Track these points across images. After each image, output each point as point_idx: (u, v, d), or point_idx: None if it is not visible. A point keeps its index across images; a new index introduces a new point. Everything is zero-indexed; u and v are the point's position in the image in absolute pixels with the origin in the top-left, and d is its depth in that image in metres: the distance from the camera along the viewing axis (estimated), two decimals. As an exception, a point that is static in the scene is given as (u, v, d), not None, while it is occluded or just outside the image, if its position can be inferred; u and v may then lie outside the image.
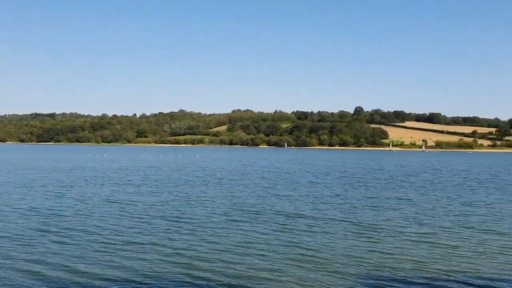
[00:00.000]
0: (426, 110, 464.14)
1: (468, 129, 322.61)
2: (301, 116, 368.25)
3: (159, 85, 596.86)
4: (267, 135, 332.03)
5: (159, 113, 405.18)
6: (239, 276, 14.12)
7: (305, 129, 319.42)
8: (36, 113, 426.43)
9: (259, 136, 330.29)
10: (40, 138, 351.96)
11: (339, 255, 16.79)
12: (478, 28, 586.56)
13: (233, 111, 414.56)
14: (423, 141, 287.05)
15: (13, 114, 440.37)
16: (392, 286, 13.53)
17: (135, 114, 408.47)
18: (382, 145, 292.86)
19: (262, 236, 19.73)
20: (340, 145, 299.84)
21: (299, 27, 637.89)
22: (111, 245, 17.81)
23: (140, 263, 15.34)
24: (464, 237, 20.35)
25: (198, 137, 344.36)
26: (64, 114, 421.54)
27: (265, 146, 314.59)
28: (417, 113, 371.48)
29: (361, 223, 23.33)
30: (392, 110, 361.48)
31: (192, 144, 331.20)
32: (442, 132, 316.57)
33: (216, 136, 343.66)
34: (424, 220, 24.63)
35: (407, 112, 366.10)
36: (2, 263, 15.22)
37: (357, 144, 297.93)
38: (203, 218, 24.13)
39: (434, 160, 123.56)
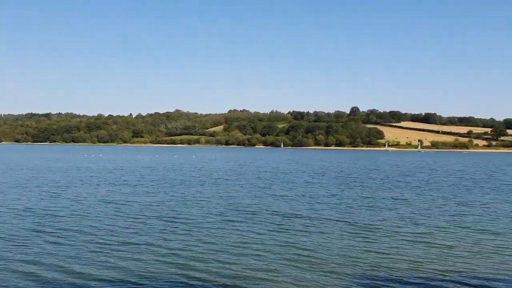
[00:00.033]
0: (421, 110, 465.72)
1: (463, 129, 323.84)
2: (298, 116, 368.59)
3: (155, 85, 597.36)
4: (264, 135, 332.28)
5: (155, 113, 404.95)
6: (235, 277, 14.09)
7: (302, 129, 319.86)
8: (31, 113, 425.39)
9: (255, 136, 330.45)
10: (36, 138, 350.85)
11: (335, 255, 16.78)
12: (475, 29, 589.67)
13: (230, 111, 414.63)
14: (418, 141, 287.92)
15: (9, 114, 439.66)
16: (388, 286, 13.54)
17: (131, 114, 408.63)
18: (378, 145, 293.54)
19: (258, 236, 19.70)
20: (336, 145, 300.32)
21: (295, 27, 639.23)
22: (107, 245, 17.74)
23: (135, 264, 15.29)
24: (459, 237, 20.40)
25: (195, 137, 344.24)
26: (59, 114, 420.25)
27: (262, 146, 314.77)
28: (412, 113, 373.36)
29: (357, 223, 23.35)
30: (388, 110, 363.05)
31: (188, 144, 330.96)
32: (437, 132, 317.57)
33: (213, 136, 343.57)
34: (419, 220, 24.67)
35: (403, 112, 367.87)
36: (-4, 264, 15.14)
37: (353, 144, 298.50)
38: (199, 218, 24.09)
39: (430, 160, 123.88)
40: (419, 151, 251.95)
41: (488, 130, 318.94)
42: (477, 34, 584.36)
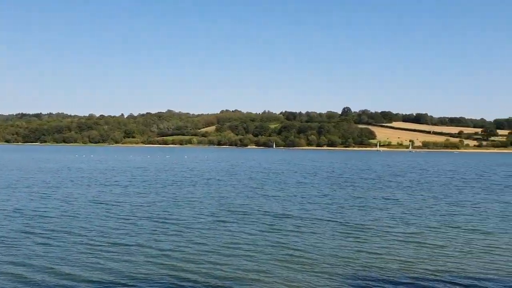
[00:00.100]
0: (413, 110, 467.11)
1: (454, 130, 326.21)
2: (290, 116, 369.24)
3: (146, 85, 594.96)
4: (256, 135, 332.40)
5: (147, 113, 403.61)
6: (226, 278, 14.02)
7: (294, 130, 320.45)
8: (22, 113, 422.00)
9: (247, 137, 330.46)
10: (26, 139, 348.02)
11: (327, 255, 16.77)
12: (468, 30, 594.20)
13: (222, 112, 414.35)
14: (410, 141, 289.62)
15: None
16: (379, 286, 13.54)
17: (122, 115, 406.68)
18: (370, 145, 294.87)
19: (250, 237, 19.65)
20: (328, 145, 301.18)
21: (288, 28, 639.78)
22: (97, 246, 17.58)
23: (126, 265, 15.16)
24: (450, 236, 20.48)
25: (186, 137, 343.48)
26: (50, 114, 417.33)
27: (254, 147, 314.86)
28: (404, 113, 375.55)
29: (348, 223, 23.37)
30: (379, 111, 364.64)
31: (180, 144, 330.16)
32: (428, 132, 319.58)
33: (205, 136, 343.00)
34: (411, 220, 24.75)
35: (394, 112, 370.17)
36: (-16, 266, 14.94)
37: (345, 144, 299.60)
38: (190, 219, 23.98)
39: (421, 160, 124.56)
40: (410, 151, 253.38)
41: (479, 130, 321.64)
42: (469, 35, 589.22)
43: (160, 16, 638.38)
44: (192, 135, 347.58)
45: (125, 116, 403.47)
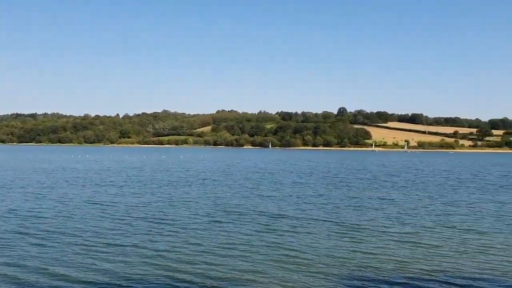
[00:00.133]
0: (408, 110, 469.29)
1: (449, 130, 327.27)
2: (286, 116, 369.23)
3: (142, 85, 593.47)
4: (252, 135, 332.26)
5: (143, 113, 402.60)
6: (222, 278, 14.00)
7: (290, 130, 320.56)
8: (17, 113, 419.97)
9: (243, 137, 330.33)
10: (21, 139, 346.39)
11: (322, 255, 16.77)
12: (461, 31, 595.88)
13: (218, 112, 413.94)
14: (405, 141, 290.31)
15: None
16: (374, 286, 13.55)
17: (118, 115, 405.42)
18: (365, 145, 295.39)
19: (245, 237, 19.62)
20: (324, 145, 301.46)
21: (285, 28, 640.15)
22: (92, 247, 17.52)
23: (121, 266, 15.11)
24: (445, 236, 20.53)
25: (182, 137, 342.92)
26: (45, 114, 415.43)
27: (250, 147, 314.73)
28: (399, 113, 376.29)
29: (344, 223, 23.39)
30: (375, 111, 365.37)
31: (176, 144, 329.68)
32: (424, 132, 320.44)
33: (201, 136, 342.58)
34: (406, 219, 24.80)
35: (390, 112, 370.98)
36: (-22, 267, 14.85)
37: (341, 144, 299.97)
38: (186, 219, 23.93)
39: (416, 160, 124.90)
40: (405, 151, 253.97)
41: (474, 130, 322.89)
42: (466, 35, 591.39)
43: (159, 16, 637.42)
44: (187, 135, 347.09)
45: (120, 116, 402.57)
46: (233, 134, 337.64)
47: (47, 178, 48.24)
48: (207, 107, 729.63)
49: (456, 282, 13.94)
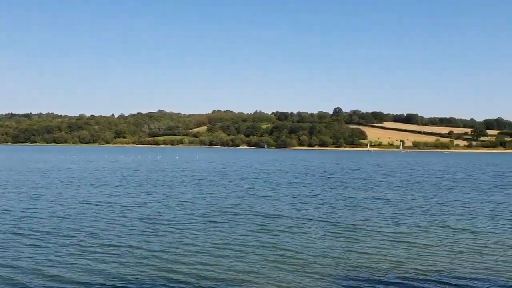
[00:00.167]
0: (403, 111, 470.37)
1: (444, 130, 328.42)
2: (281, 116, 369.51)
3: (137, 85, 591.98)
4: (247, 135, 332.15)
5: (138, 113, 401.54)
6: (217, 279, 13.96)
7: (285, 130, 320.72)
8: (11, 113, 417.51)
9: (239, 137, 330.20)
10: (16, 139, 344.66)
11: (318, 255, 16.76)
12: (458, 31, 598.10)
13: (213, 112, 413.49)
14: (400, 141, 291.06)
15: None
16: (370, 286, 13.55)
17: (113, 115, 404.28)
18: (361, 145, 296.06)
19: (241, 237, 19.59)
20: (320, 145, 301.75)
21: (278, 28, 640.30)
22: (86, 248, 17.43)
23: (116, 266, 15.04)
24: (440, 236, 20.58)
25: (178, 137, 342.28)
26: (40, 114, 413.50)
27: (245, 147, 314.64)
28: (394, 113, 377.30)
29: (339, 223, 23.40)
30: (370, 111, 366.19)
31: (172, 144, 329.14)
32: (419, 132, 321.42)
33: (196, 136, 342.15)
34: (401, 219, 24.85)
35: (385, 112, 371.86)
36: (-29, 268, 14.74)
37: (336, 144, 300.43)
38: (181, 219, 23.87)
39: (411, 160, 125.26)
40: (400, 151, 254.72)
41: (469, 130, 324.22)
42: (459, 36, 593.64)
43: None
44: (183, 135, 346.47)
45: (115, 116, 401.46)
46: (228, 134, 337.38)
47: (42, 178, 48.03)
48: (203, 107, 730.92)
49: (451, 282, 13.97)
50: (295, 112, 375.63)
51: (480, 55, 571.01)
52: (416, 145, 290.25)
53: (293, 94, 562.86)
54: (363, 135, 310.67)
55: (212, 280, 13.81)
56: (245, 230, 21.16)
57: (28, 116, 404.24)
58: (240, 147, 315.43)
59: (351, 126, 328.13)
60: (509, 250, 18.18)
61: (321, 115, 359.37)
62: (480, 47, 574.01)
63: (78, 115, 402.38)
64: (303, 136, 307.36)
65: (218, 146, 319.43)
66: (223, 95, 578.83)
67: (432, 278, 14.30)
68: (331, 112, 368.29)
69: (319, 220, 24.12)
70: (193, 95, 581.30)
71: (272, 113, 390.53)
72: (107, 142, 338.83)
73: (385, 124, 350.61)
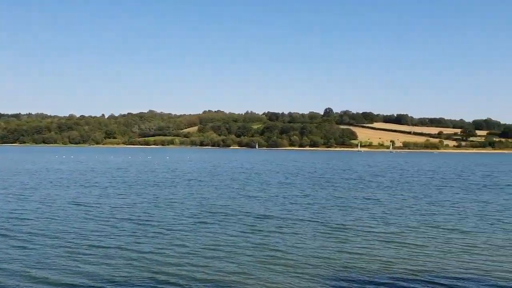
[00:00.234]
0: (393, 111, 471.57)
1: (434, 130, 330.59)
2: (272, 117, 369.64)
3: (128, 85, 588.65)
4: (238, 136, 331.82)
5: (128, 113, 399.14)
6: (207, 280, 13.90)
7: (276, 130, 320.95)
8: (0, 113, 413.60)
9: (230, 137, 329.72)
10: (5, 139, 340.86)
11: (308, 256, 16.76)
12: (447, 32, 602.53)
13: (204, 112, 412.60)
14: (390, 141, 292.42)
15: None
16: (360, 286, 13.57)
17: (103, 115, 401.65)
18: (351, 145, 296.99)
19: (231, 238, 19.53)
20: (311, 146, 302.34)
21: (269, 27, 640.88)
22: (75, 249, 17.26)
23: (105, 268, 14.91)
24: (430, 236, 20.68)
25: (168, 138, 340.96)
26: (29, 114, 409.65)
27: (237, 147, 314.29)
28: (385, 114, 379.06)
29: (329, 223, 23.43)
30: (361, 112, 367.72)
31: (162, 145, 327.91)
32: (409, 133, 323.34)
33: (187, 137, 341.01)
34: (391, 219, 24.94)
35: (375, 113, 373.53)
36: (-43, 271, 14.52)
37: (327, 144, 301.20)
38: (171, 220, 23.75)
39: (401, 161, 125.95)
40: (391, 152, 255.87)
41: (458, 131, 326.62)
42: (451, 36, 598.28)
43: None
44: (174, 136, 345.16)
45: (106, 117, 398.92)
46: (219, 135, 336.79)
47: (31, 179, 47.56)
48: (194, 107, 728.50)
49: (441, 282, 14.03)
50: (286, 112, 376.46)
51: (472, 56, 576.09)
52: (406, 145, 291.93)
53: (284, 94, 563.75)
54: (353, 136, 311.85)
55: (202, 282, 13.74)
56: (236, 231, 21.10)
57: (17, 116, 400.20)
58: (231, 147, 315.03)
59: (342, 126, 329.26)
60: (498, 249, 18.33)
61: (312, 116, 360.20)
62: (477, 47, 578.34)
63: (68, 115, 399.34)
64: (294, 136, 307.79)
65: (209, 147, 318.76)
66: (214, 96, 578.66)
67: (422, 278, 14.35)
68: (322, 113, 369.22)
69: (310, 221, 24.13)
70: (184, 96, 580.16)
71: (263, 114, 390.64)
72: (97, 143, 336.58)
73: (375, 125, 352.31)
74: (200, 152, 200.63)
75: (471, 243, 19.38)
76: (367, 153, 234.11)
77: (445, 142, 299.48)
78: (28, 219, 23.56)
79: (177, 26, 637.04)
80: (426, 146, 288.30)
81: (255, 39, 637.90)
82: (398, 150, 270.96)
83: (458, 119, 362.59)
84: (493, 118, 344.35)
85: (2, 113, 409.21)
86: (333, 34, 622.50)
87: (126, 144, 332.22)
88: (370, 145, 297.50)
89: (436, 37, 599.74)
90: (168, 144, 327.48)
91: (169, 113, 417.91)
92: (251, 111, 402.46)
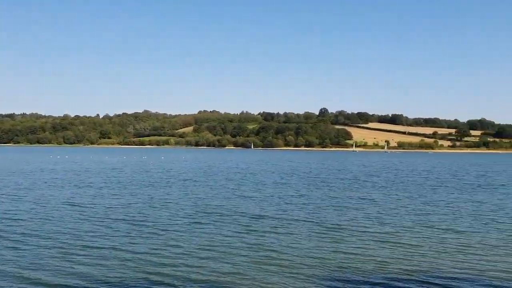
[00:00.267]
0: (388, 111, 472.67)
1: (429, 130, 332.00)
2: (268, 117, 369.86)
3: (123, 85, 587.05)
4: (234, 136, 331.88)
5: (123, 113, 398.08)
6: (202, 280, 13.86)
7: (272, 130, 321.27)
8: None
9: (225, 137, 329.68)
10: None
11: (303, 256, 16.75)
12: (446, 32, 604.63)
13: (199, 112, 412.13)
14: (385, 141, 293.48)
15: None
16: (355, 286, 13.58)
17: (98, 115, 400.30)
18: (346, 145, 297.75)
19: (226, 239, 19.50)
20: (306, 146, 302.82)
21: (269, 27, 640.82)
22: (69, 250, 17.18)
23: (99, 269, 14.84)
24: (425, 236, 20.73)
25: (164, 138, 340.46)
26: (24, 114, 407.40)
27: (232, 147, 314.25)
28: (380, 114, 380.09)
29: (324, 223, 23.44)
30: (355, 112, 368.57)
31: (157, 145, 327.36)
32: (404, 133, 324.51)
33: (182, 137, 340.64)
34: (386, 219, 24.98)
35: (370, 113, 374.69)
36: (-50, 272, 14.41)
37: (322, 145, 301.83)
38: (166, 220, 23.69)
39: (396, 161, 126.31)
40: (385, 152, 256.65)
41: (453, 131, 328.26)
42: (449, 36, 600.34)
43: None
44: (169, 136, 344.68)
45: (100, 117, 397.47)
46: (215, 135, 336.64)
47: (25, 180, 47.31)
48: (189, 107, 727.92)
49: (436, 282, 14.07)
50: (281, 112, 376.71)
51: (466, 57, 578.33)
52: (401, 145, 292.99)
53: (279, 94, 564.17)
54: (348, 136, 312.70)
55: (197, 282, 13.70)
56: (231, 231, 21.07)
57: (11, 116, 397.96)
58: (227, 147, 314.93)
59: (337, 126, 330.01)
60: (492, 249, 18.40)
61: (307, 116, 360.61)
62: (475, 48, 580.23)
63: (62, 115, 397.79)
64: (289, 136, 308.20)
65: (204, 147, 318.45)
66: (210, 96, 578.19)
67: (416, 278, 14.38)
68: (317, 113, 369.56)
69: (305, 221, 24.14)
70: (179, 96, 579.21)
71: (259, 114, 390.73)
72: (92, 143, 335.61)
73: (370, 125, 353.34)
74: (195, 152, 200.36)
75: (465, 243, 19.45)
76: (362, 153, 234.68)
77: (440, 142, 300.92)
78: (22, 219, 23.42)
79: (177, 26, 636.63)
80: (421, 146, 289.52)
81: (255, 39, 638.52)
82: (393, 150, 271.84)
83: (452, 119, 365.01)
84: (488, 118, 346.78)
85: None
86: (333, 34, 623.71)
87: (121, 144, 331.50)
88: (365, 145, 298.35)
89: (435, 37, 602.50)
90: (163, 144, 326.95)
91: (164, 113, 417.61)
92: (247, 111, 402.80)
